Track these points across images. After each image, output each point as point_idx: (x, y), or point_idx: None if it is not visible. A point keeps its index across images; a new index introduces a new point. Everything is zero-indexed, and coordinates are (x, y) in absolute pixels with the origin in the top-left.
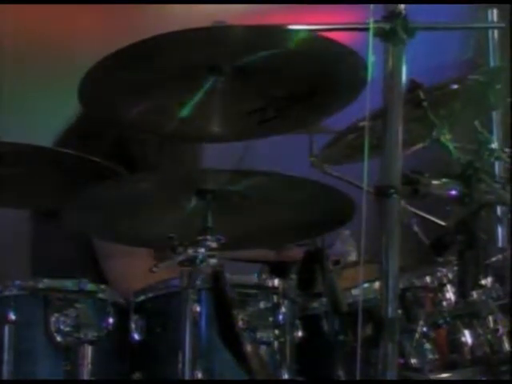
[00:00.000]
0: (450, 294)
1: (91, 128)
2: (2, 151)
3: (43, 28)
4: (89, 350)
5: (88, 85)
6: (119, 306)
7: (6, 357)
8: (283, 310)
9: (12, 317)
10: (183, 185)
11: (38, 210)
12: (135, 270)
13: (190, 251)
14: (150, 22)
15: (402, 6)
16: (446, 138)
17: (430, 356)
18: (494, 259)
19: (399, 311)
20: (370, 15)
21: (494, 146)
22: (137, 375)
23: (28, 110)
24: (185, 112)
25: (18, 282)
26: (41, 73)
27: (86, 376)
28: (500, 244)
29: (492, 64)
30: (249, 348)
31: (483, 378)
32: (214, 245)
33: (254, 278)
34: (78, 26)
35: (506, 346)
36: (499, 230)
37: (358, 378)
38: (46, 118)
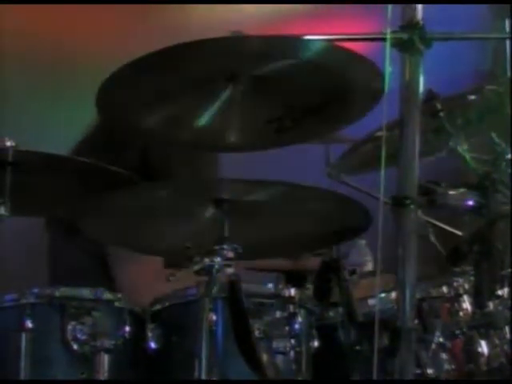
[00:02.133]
0: (467, 304)
1: (115, 137)
2: (19, 159)
3: (55, 36)
4: (105, 359)
5: (106, 93)
6: (136, 314)
7: (22, 364)
8: (299, 319)
9: (29, 325)
10: (200, 194)
11: (53, 218)
12: (144, 277)
13: (207, 260)
14: (166, 31)
15: (420, 17)
16: (463, 148)
17: (447, 366)
18: (510, 269)
19: (415, 321)
20: (387, 25)
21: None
22: None
23: (38, 118)
24: (202, 121)
25: (35, 290)
26: (52, 80)
27: None
28: None
29: (509, 74)
30: (265, 357)
31: None
32: (230, 254)
33: (270, 288)
34: (91, 33)
35: None
36: None
37: None
38: (56, 126)
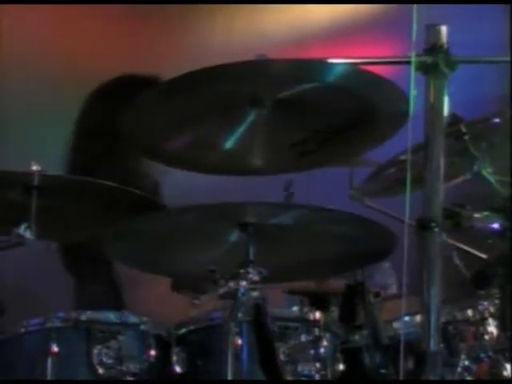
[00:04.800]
0: (492, 327)
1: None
2: (44, 184)
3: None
4: None
5: (131, 117)
6: (161, 338)
7: None
8: (324, 343)
9: (55, 349)
10: (225, 218)
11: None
12: (156, 299)
13: (232, 284)
14: (185, 54)
15: (444, 40)
16: (488, 171)
17: None
18: None
19: (441, 345)
20: (411, 48)
21: None
22: None
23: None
24: (227, 145)
25: (60, 314)
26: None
27: None
28: None
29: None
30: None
31: None
32: (255, 277)
33: (295, 311)
34: (108, 53)
35: None
36: None
37: None
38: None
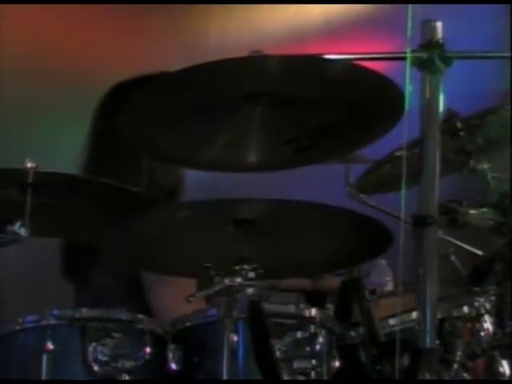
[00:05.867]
0: (488, 324)
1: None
2: (39, 181)
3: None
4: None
5: (125, 114)
6: (156, 335)
7: None
8: (320, 339)
9: (50, 346)
10: (220, 214)
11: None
12: (178, 298)
13: (227, 281)
14: (180, 51)
15: (439, 35)
16: (484, 167)
17: None
18: None
19: (437, 341)
20: (407, 45)
21: None
22: None
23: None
24: (222, 141)
25: (55, 312)
26: (71, 100)
27: None
28: None
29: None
30: (286, 378)
31: None
32: (251, 274)
33: (291, 308)
34: (108, 52)
35: None
36: None
37: None
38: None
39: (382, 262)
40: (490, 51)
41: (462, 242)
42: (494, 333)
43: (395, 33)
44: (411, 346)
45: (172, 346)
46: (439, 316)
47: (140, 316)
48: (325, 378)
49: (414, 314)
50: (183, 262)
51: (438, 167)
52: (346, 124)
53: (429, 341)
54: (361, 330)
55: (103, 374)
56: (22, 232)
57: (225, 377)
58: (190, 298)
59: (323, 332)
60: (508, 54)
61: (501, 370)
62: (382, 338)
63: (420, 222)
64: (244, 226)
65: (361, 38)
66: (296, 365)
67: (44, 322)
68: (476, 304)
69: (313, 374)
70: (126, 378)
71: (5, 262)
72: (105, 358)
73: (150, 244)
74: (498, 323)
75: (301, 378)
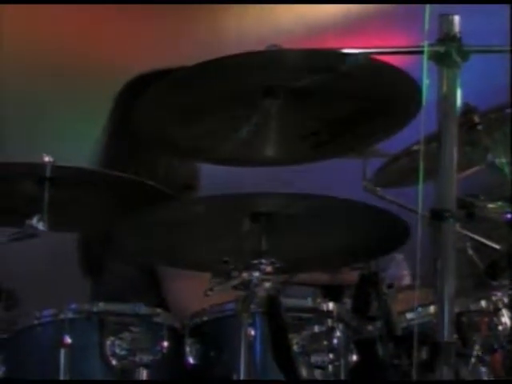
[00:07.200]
0: (506, 318)
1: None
2: (57, 175)
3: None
4: (144, 374)
5: (142, 109)
6: (174, 329)
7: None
8: (338, 333)
9: (68, 340)
10: (237, 208)
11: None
12: (195, 292)
13: (245, 275)
14: (197, 45)
15: (457, 29)
16: (501, 161)
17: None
18: None
19: (454, 335)
20: (424, 38)
21: None
22: None
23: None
24: (240, 136)
25: (73, 306)
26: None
27: None
28: None
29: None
30: (303, 372)
31: None
32: (268, 268)
33: (308, 302)
34: (122, 47)
35: None
36: None
37: None
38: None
39: (400, 255)
40: (508, 45)
41: (480, 235)
42: None
43: (412, 27)
44: (429, 339)
45: (189, 340)
46: (457, 310)
47: (158, 310)
48: (342, 372)
49: (432, 308)
50: (200, 256)
51: (455, 161)
52: (364, 118)
53: (446, 335)
54: (378, 324)
55: (121, 367)
56: (40, 226)
57: (242, 371)
58: (209, 292)
59: (340, 326)
60: None
61: None
62: (399, 332)
63: (437, 215)
64: (261, 219)
65: (378, 31)
66: (313, 359)
67: (62, 316)
68: (493, 298)
69: (330, 368)
70: (144, 372)
71: (22, 256)
72: (122, 352)
73: (166, 238)
74: None
75: (318, 371)
